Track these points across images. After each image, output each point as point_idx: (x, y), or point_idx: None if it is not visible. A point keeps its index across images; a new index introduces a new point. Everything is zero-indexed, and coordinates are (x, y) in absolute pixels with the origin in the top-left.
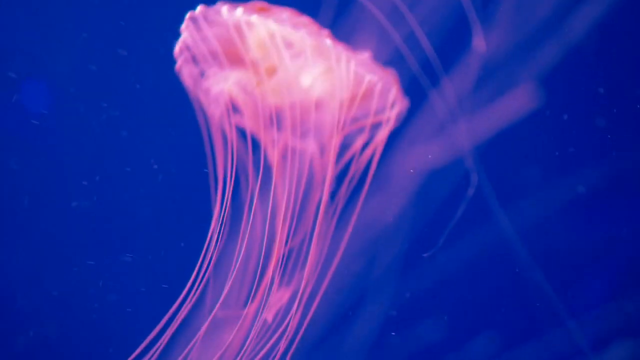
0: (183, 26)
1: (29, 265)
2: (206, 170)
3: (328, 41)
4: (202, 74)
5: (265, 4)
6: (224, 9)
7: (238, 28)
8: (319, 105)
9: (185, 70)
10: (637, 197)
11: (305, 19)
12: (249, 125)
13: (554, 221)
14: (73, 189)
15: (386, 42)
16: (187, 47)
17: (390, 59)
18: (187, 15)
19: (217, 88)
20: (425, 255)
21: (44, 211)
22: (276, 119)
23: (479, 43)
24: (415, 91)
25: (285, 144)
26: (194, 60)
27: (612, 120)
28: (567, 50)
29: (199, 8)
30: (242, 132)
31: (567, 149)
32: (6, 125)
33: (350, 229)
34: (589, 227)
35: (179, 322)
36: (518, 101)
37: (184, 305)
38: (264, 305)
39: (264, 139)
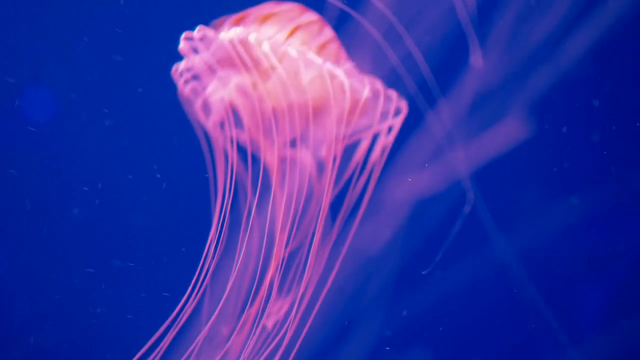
0: (181, 45)
1: (30, 271)
2: (207, 175)
3: (318, 59)
4: (202, 86)
5: (271, 6)
6: (223, 30)
7: (235, 44)
8: (316, 114)
9: (185, 85)
10: (637, 215)
11: (309, 17)
12: (248, 132)
13: (551, 239)
14: (74, 195)
15: (382, 63)
16: (186, 68)
17: (387, 79)
18: (184, 35)
19: (216, 95)
20: (423, 272)
21: (46, 217)
22: (275, 126)
23: (477, 60)
24: (412, 112)
25: (284, 153)
26: (194, 73)
27: (610, 136)
28: (565, 67)
29: (198, 28)
30: (241, 140)
31: (564, 164)
32: (7, 132)
33: (347, 245)
34: (587, 246)
35: (178, 328)
36: (514, 124)
37: (184, 312)
38: (262, 314)
39: (263, 146)
